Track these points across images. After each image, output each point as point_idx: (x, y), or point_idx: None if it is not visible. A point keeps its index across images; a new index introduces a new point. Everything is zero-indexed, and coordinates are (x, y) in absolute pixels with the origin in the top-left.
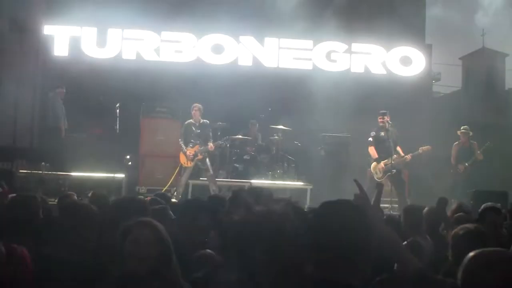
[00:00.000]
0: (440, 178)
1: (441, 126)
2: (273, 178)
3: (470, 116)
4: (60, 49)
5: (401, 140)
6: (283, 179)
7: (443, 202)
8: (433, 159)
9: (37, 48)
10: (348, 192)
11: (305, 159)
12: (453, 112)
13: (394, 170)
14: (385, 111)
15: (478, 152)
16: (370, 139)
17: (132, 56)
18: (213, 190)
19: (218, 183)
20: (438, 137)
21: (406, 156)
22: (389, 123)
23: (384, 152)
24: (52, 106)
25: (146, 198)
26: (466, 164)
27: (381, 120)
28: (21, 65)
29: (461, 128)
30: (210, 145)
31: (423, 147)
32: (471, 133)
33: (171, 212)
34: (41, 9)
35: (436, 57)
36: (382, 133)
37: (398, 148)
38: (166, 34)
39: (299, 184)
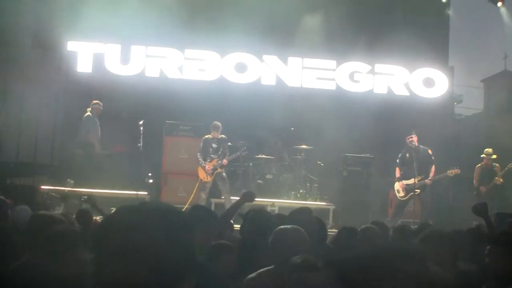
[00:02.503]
0: (461, 199)
1: (463, 148)
2: (296, 198)
3: (492, 138)
4: (83, 66)
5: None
6: (306, 199)
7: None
8: (454, 181)
9: (60, 64)
10: (371, 212)
11: (327, 179)
12: (474, 134)
13: (418, 191)
14: (412, 131)
15: (498, 176)
16: (398, 160)
17: (156, 74)
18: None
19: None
20: (459, 159)
21: (427, 180)
22: (414, 143)
23: (406, 172)
24: (84, 121)
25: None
26: (488, 186)
27: (409, 140)
28: (44, 82)
29: (484, 150)
30: (224, 160)
31: (453, 170)
32: (494, 156)
33: None
34: (65, 25)
35: (457, 79)
36: (408, 154)
37: (433, 168)
38: (190, 52)
39: (321, 204)
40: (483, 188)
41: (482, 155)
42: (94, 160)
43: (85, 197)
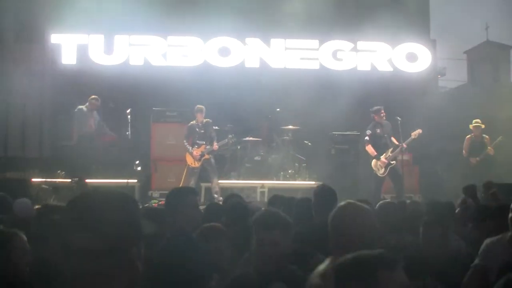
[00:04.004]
0: (450, 172)
1: (449, 121)
2: (285, 178)
3: (477, 110)
4: (68, 58)
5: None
6: (295, 179)
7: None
8: (442, 153)
9: (44, 57)
10: (359, 189)
11: (315, 158)
12: (459, 106)
13: (394, 162)
14: (379, 107)
15: (490, 147)
16: (367, 137)
17: (140, 62)
18: (215, 192)
19: (229, 184)
20: (446, 132)
21: (402, 144)
22: (383, 118)
23: (382, 148)
24: (76, 116)
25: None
26: (478, 158)
27: (377, 116)
28: (29, 75)
29: (473, 121)
30: (215, 145)
31: (414, 132)
32: (483, 126)
33: None
34: (47, 18)
35: (440, 52)
36: (378, 130)
37: (393, 139)
38: (173, 39)
39: (310, 183)
40: (473, 160)
41: (470, 126)
42: (86, 152)
43: (76, 179)
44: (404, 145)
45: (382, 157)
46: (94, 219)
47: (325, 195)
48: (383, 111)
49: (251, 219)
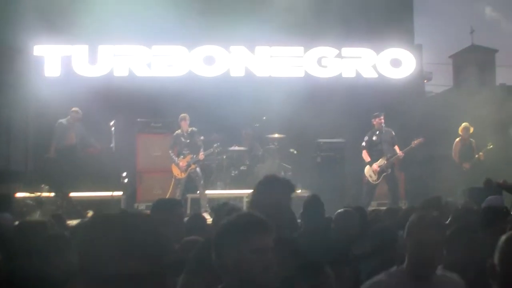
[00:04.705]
0: (436, 177)
1: (435, 126)
2: None
3: (463, 114)
4: (51, 70)
5: (398, 140)
6: None
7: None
8: (428, 159)
9: (28, 69)
10: (346, 197)
11: (301, 166)
12: (446, 110)
13: (390, 170)
14: (378, 113)
15: (481, 153)
16: (363, 143)
17: (124, 73)
18: (203, 202)
19: (216, 194)
20: (433, 137)
21: (399, 153)
22: (382, 125)
23: (376, 154)
24: (56, 130)
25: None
26: (469, 164)
27: (378, 121)
28: (13, 88)
29: (462, 124)
30: (201, 154)
31: (416, 140)
32: (471, 129)
33: None
34: (31, 29)
35: (427, 56)
36: (375, 137)
37: (396, 148)
38: (157, 48)
39: (296, 191)
40: (467, 165)
41: (459, 130)
42: (65, 165)
43: (60, 193)
44: (401, 154)
45: (375, 164)
46: (139, 240)
47: (316, 205)
48: (379, 118)
49: None
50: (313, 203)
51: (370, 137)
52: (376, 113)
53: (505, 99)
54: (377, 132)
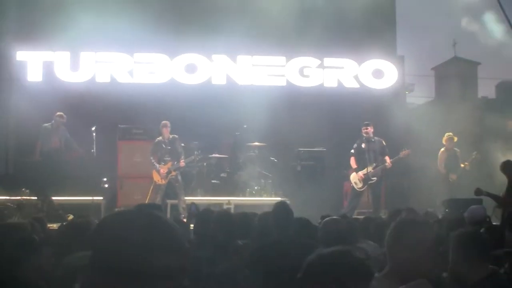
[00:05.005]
0: (416, 188)
1: (417, 137)
2: (251, 194)
3: (445, 126)
4: (33, 75)
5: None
6: (261, 195)
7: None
8: (408, 170)
9: (10, 75)
10: (326, 205)
11: (281, 175)
12: (427, 122)
13: (375, 179)
14: (368, 122)
15: (466, 163)
16: (352, 150)
17: (106, 79)
18: (182, 208)
19: (196, 201)
20: (414, 148)
21: (387, 163)
22: (371, 134)
23: (362, 162)
24: (40, 134)
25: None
26: (455, 175)
27: (364, 131)
28: None
29: (445, 134)
30: (181, 161)
31: (404, 151)
32: (455, 139)
33: None
34: (14, 35)
35: (409, 68)
36: (363, 145)
37: (386, 158)
38: (139, 56)
39: (276, 199)
40: (453, 176)
41: (443, 140)
42: (49, 168)
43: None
44: (389, 163)
45: (360, 172)
46: (163, 238)
47: (285, 211)
48: (368, 127)
49: None
50: (282, 209)
51: (359, 145)
52: (366, 122)
53: (486, 112)
54: (366, 141)
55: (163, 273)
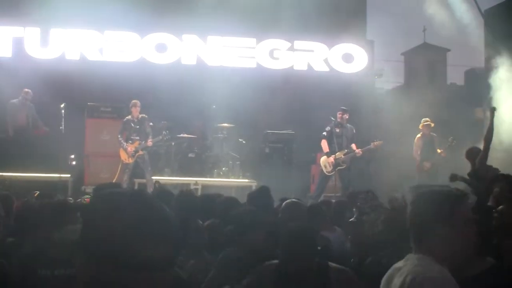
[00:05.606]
0: (381, 174)
1: (385, 122)
2: (218, 175)
3: (413, 111)
4: (3, 50)
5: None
6: (228, 177)
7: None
8: (374, 156)
9: None
10: (293, 188)
11: (249, 156)
12: (396, 107)
13: (345, 165)
14: (345, 108)
15: (442, 149)
16: (324, 133)
17: (76, 57)
18: (149, 188)
19: (163, 181)
20: (381, 134)
21: (357, 150)
22: (344, 121)
23: (335, 147)
24: (8, 110)
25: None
26: (430, 163)
27: (340, 116)
28: None
29: (422, 120)
30: (149, 141)
31: (375, 142)
32: (432, 125)
33: None
34: None
35: (379, 53)
36: (337, 129)
37: (353, 146)
38: (110, 34)
39: (244, 181)
40: (427, 164)
41: (420, 126)
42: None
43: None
44: (359, 152)
45: (332, 156)
46: (163, 222)
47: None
48: (343, 113)
49: None
50: (262, 194)
51: (333, 128)
52: (343, 108)
53: (455, 98)
54: (340, 126)
55: (153, 263)
